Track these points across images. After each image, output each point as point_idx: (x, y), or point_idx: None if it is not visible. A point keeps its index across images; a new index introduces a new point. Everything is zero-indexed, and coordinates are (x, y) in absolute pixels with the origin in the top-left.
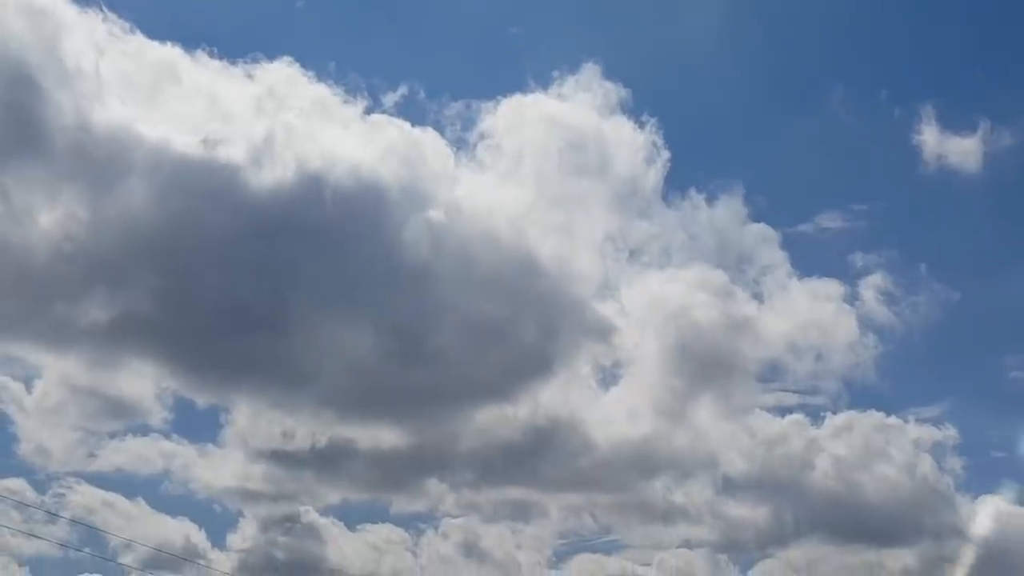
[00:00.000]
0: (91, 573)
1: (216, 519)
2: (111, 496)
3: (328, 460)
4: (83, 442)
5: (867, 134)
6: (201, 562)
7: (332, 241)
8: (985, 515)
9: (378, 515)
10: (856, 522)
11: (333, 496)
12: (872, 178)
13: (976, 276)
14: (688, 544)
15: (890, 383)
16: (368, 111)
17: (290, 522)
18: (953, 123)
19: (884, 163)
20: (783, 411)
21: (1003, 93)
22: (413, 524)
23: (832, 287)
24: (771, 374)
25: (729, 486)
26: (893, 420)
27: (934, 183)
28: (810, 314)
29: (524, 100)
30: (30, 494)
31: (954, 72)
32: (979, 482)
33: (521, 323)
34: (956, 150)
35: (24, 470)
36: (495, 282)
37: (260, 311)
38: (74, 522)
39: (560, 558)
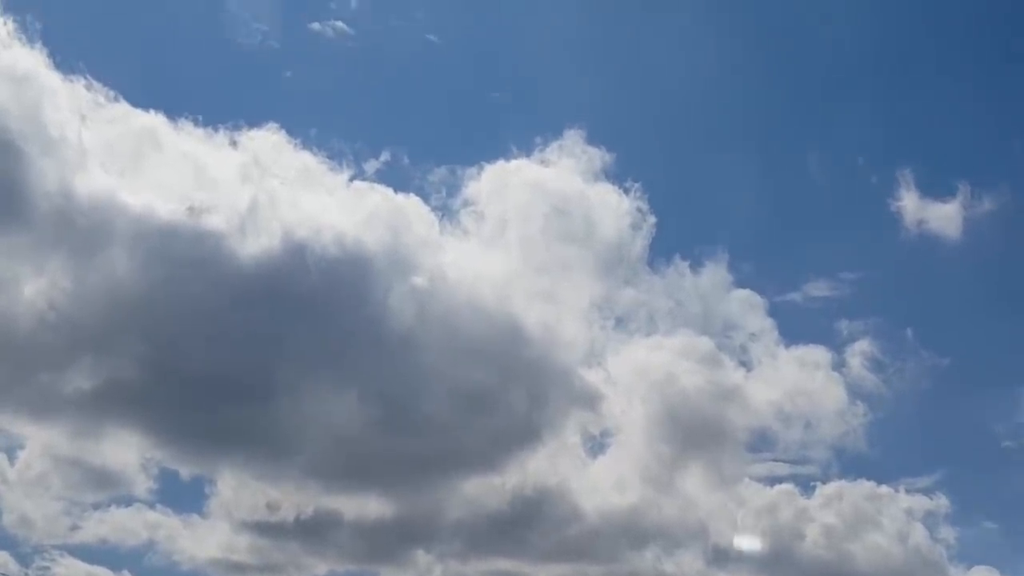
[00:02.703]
0: None
1: None
2: (96, 568)
3: (314, 531)
4: (67, 513)
5: (847, 200)
6: None
7: (317, 309)
8: None
9: None
10: None
11: (320, 568)
12: (854, 245)
13: (963, 342)
14: None
15: (880, 451)
16: (353, 178)
17: None
18: (932, 188)
19: (865, 230)
20: (773, 480)
21: (981, 156)
22: None
23: (819, 354)
24: (760, 443)
25: (720, 556)
26: (884, 489)
27: (916, 249)
28: (798, 382)
29: (507, 166)
30: (13, 567)
31: (930, 136)
32: (972, 552)
33: (508, 391)
34: (936, 215)
35: (8, 543)
36: (481, 350)
37: (245, 381)
38: None
39: None
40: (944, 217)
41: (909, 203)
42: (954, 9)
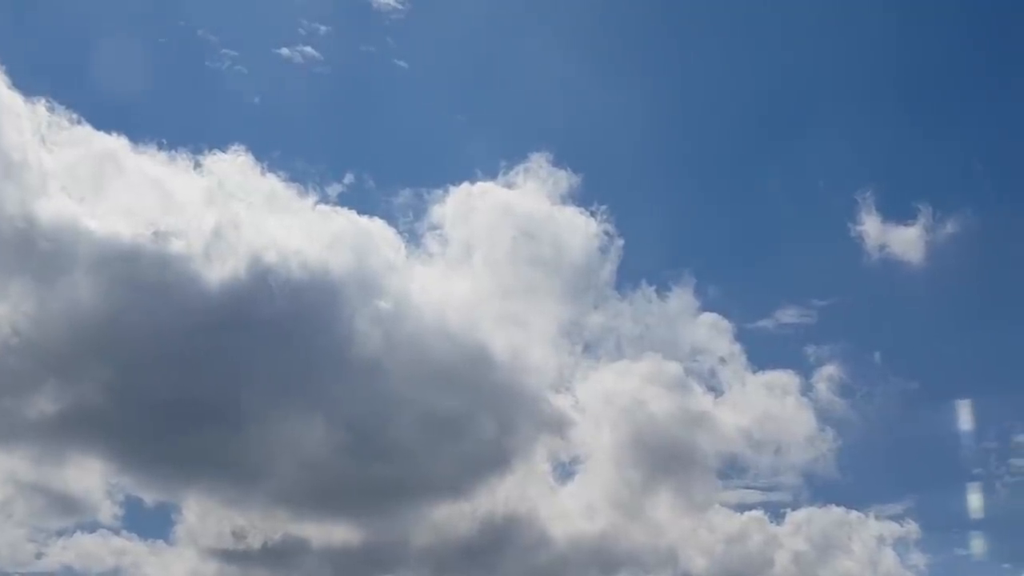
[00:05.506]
0: None
1: None
2: None
3: (282, 558)
4: (31, 539)
5: (811, 225)
6: None
7: (283, 334)
8: None
9: None
10: None
11: None
12: (818, 270)
13: (930, 365)
14: None
15: (850, 477)
16: (318, 201)
17: None
18: (893, 212)
19: (830, 254)
20: (743, 507)
21: (941, 179)
22: None
23: (788, 379)
24: (730, 469)
25: None
26: (854, 515)
27: (880, 273)
28: (767, 407)
29: (473, 189)
30: None
31: (889, 158)
32: None
33: (476, 417)
34: (898, 239)
35: None
36: (448, 375)
37: (211, 406)
38: None
39: None
40: (906, 241)
41: (871, 227)
42: (913, 33)
